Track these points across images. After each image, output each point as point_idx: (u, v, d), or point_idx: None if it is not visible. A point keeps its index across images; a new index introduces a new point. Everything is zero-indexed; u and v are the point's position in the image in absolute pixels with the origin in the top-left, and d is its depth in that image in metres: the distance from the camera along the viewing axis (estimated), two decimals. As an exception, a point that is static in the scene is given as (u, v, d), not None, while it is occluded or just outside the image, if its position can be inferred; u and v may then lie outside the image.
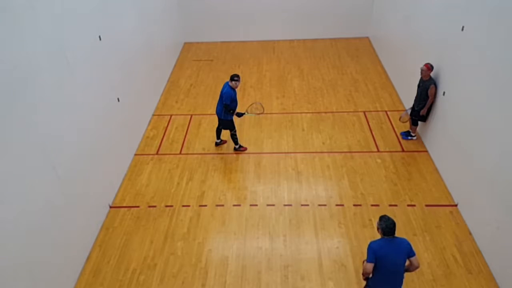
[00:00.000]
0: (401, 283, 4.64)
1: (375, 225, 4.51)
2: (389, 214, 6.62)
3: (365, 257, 6.02)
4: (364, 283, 5.03)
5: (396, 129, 8.72)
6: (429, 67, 7.35)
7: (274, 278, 5.89)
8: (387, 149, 8.19)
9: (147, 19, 9.51)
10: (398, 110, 9.32)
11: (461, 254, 6.07)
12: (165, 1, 11.30)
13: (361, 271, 5.45)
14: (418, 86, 7.68)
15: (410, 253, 4.52)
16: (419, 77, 7.61)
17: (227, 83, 7.80)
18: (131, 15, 8.45)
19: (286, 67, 11.57)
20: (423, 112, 7.68)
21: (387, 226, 4.49)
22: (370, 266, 4.47)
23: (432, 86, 7.35)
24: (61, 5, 5.63)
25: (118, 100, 7.51)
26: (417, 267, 4.58)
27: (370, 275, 4.64)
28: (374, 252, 4.46)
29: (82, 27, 6.25)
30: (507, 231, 5.41)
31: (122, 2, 7.91)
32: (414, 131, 8.32)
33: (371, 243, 4.55)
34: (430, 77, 7.42)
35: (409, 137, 8.36)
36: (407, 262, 4.59)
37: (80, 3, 6.18)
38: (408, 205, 6.92)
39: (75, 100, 5.95)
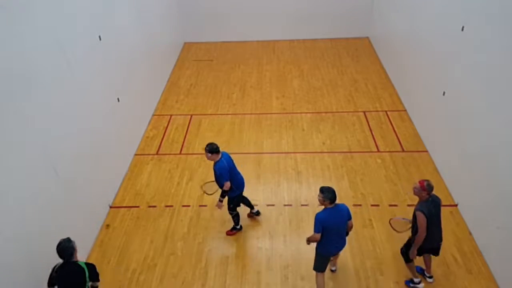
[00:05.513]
0: (344, 241, 5.27)
1: (318, 198, 4.92)
2: (389, 214, 6.72)
3: (365, 255, 6.08)
4: (309, 246, 5.42)
5: (396, 129, 8.72)
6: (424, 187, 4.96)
7: (274, 278, 5.89)
8: (387, 149, 8.18)
9: (147, 19, 9.51)
10: (398, 110, 9.32)
11: (461, 254, 6.07)
12: (165, 1, 11.30)
13: (359, 269, 5.82)
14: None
15: (349, 217, 5.08)
16: (419, 76, 7.55)
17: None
18: (131, 15, 8.45)
19: (286, 67, 11.57)
20: (412, 253, 5.24)
21: (333, 194, 4.84)
22: (318, 236, 4.97)
23: (419, 213, 4.96)
24: (61, 5, 5.63)
25: (118, 100, 7.51)
26: (351, 228, 5.22)
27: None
28: (322, 223, 4.90)
29: (82, 27, 6.25)
30: (507, 231, 5.41)
31: (122, 2, 7.91)
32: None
33: (318, 214, 4.93)
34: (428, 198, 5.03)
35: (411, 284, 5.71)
36: None
37: (80, 3, 6.18)
38: (408, 205, 6.92)
39: (75, 100, 5.95)
